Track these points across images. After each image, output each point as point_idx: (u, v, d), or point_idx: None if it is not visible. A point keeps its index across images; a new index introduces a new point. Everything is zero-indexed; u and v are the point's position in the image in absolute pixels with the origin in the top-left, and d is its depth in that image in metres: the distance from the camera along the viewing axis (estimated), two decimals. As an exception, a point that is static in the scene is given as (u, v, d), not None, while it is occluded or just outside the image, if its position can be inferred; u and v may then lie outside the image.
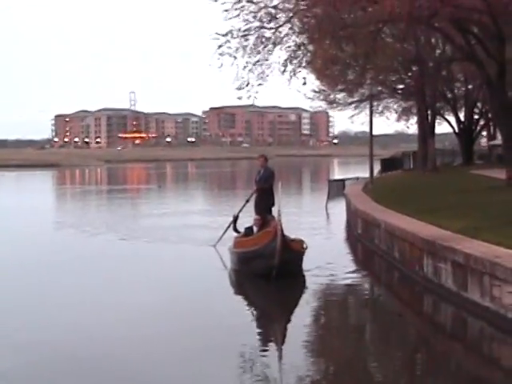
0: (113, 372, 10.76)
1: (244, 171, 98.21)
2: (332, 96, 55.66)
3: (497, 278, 12.43)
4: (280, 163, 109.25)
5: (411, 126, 71.00)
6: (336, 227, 29.62)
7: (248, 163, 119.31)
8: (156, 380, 10.30)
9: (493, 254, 13.28)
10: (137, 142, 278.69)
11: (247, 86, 27.87)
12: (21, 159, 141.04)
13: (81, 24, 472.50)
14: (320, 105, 59.93)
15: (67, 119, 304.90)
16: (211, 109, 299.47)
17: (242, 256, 18.15)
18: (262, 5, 26.96)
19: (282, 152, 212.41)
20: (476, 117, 60.23)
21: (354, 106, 57.59)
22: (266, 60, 27.99)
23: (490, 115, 56.10)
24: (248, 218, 20.54)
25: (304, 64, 29.57)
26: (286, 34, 27.87)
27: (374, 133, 41.41)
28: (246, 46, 27.35)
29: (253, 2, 26.76)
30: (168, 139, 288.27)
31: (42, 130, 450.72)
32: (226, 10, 26.79)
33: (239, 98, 28.66)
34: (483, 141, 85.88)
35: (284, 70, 28.21)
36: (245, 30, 27.13)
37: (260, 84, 28.23)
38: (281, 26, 27.44)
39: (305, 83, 29.79)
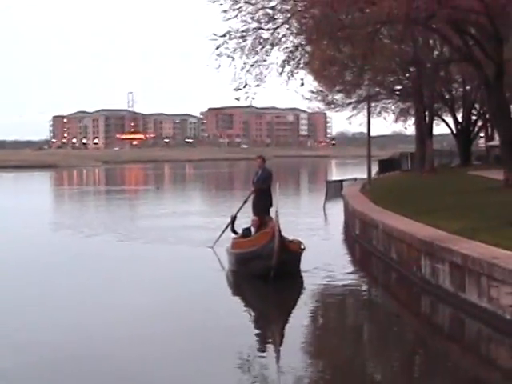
0: (112, 372, 10.77)
1: (242, 172, 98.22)
2: (330, 97, 55.70)
3: (494, 279, 12.43)
4: (278, 164, 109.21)
5: (409, 127, 70.99)
6: (334, 228, 29.63)
7: (246, 164, 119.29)
8: (155, 380, 10.30)
9: (490, 254, 13.28)
10: (135, 142, 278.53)
11: (245, 86, 27.86)
12: (19, 160, 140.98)
13: (81, 24, 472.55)
14: (318, 106, 60.01)
15: (65, 120, 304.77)
16: (209, 109, 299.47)
17: (239, 257, 18.14)
18: (259, 6, 26.96)
19: (279, 153, 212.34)
20: (474, 118, 60.25)
21: (351, 106, 57.60)
22: (264, 61, 27.98)
23: (487, 116, 56.10)
24: (246, 219, 20.54)
25: (302, 65, 29.57)
26: (284, 35, 27.87)
27: (372, 134, 41.47)
28: (244, 46, 27.34)
29: (251, 3, 26.77)
30: (166, 140, 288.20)
31: (40, 131, 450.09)
32: (225, 11, 26.81)
33: (237, 99, 28.65)
34: (481, 142, 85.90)
35: (282, 71, 28.20)
36: (243, 31, 27.13)
37: (258, 85, 28.22)
38: (279, 26, 27.43)
39: (302, 84, 29.82)
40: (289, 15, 26.91)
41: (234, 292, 17.43)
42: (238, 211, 21.09)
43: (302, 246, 18.21)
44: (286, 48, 28.15)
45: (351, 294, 16.63)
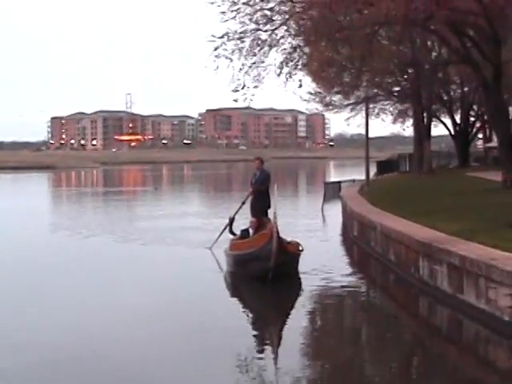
0: (112, 372, 10.78)
1: (240, 173, 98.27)
2: (328, 98, 55.74)
3: (492, 281, 12.42)
4: (276, 165, 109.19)
5: (407, 129, 71.03)
6: (332, 229, 29.62)
7: (244, 165, 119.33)
8: (154, 381, 10.30)
9: (488, 256, 13.27)
10: (133, 144, 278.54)
11: (243, 88, 27.87)
12: (17, 161, 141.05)
13: (81, 24, 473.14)
14: (316, 107, 60.04)
15: (63, 121, 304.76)
16: (207, 111, 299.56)
17: (237, 258, 18.14)
18: (257, 7, 26.97)
19: (278, 154, 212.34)
20: (472, 119, 60.35)
21: (349, 108, 57.68)
22: (262, 62, 28.00)
23: (485, 117, 56.20)
24: (244, 221, 20.53)
25: (300, 66, 29.57)
26: (282, 37, 27.90)
27: (370, 135, 41.47)
28: (242, 48, 27.35)
29: (249, 5, 26.77)
30: (164, 141, 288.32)
31: (39, 132, 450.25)
32: (223, 12, 26.82)
33: (235, 100, 28.65)
34: (479, 143, 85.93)
35: (280, 73, 28.22)
36: (241, 33, 27.14)
37: (256, 86, 28.23)
38: (277, 28, 27.45)
39: (301, 85, 29.79)
40: (287, 17, 26.93)
41: (232, 293, 17.43)
42: (236, 212, 21.07)
43: (300, 248, 18.19)
44: (284, 49, 28.18)
45: (349, 295, 16.61)
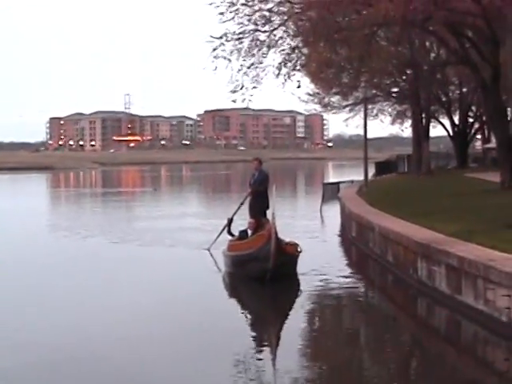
0: (111, 373, 10.78)
1: (238, 174, 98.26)
2: (326, 99, 55.78)
3: (491, 282, 12.42)
4: (275, 166, 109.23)
5: (406, 130, 71.30)
6: (330, 230, 29.61)
7: (243, 166, 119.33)
8: (153, 381, 10.29)
9: (487, 257, 13.27)
10: (131, 144, 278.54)
11: (242, 88, 27.86)
12: (15, 162, 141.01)
13: (81, 24, 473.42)
14: (314, 108, 60.17)
15: (62, 122, 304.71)
16: (206, 112, 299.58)
17: (236, 259, 18.13)
18: (256, 8, 26.95)
19: (276, 155, 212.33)
20: (470, 120, 60.37)
21: (348, 109, 57.73)
22: (261, 63, 27.98)
23: (484, 118, 56.23)
24: (242, 221, 20.53)
25: (298, 67, 29.56)
26: (281, 37, 27.88)
27: (369, 136, 41.42)
28: (241, 48, 27.34)
29: (247, 5, 26.76)
30: (163, 142, 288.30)
31: (38, 133, 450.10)
32: (221, 13, 26.80)
33: (234, 101, 28.64)
34: (478, 144, 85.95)
35: (278, 73, 28.19)
36: (239, 33, 27.11)
37: (254, 87, 28.21)
38: (275, 29, 27.44)
39: (299, 86, 29.78)
40: (285, 17, 26.92)
41: (231, 294, 17.43)
42: (235, 213, 21.08)
43: (299, 249, 18.19)
44: (283, 50, 28.16)
45: (348, 296, 16.61)
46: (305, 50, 29.88)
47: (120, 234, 27.71)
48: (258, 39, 27.47)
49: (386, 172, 56.50)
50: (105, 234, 27.91)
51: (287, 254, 17.29)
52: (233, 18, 26.79)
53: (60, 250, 24.14)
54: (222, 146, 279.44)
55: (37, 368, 10.94)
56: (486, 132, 63.54)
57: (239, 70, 27.65)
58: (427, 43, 45.44)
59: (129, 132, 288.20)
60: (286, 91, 44.70)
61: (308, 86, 50.25)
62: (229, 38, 26.97)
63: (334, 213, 34.57)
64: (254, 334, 13.45)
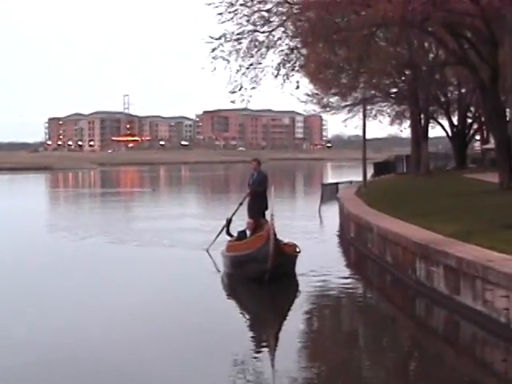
0: (110, 372, 10.79)
1: (237, 175, 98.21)
2: (325, 100, 55.82)
3: (489, 282, 12.42)
4: (273, 167, 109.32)
5: (404, 130, 71.29)
6: (329, 231, 29.59)
7: (242, 166, 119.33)
8: (152, 381, 10.30)
9: (485, 257, 13.28)
10: (130, 145, 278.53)
11: (240, 89, 27.90)
12: (14, 162, 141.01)
13: (81, 24, 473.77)
14: (313, 108, 60.16)
15: (61, 122, 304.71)
16: (205, 112, 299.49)
17: (234, 260, 18.12)
18: (255, 8, 26.98)
19: (275, 156, 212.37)
20: (469, 121, 60.40)
21: (347, 109, 57.73)
22: (259, 63, 28.03)
23: (483, 119, 56.24)
24: (241, 222, 20.52)
25: (297, 68, 29.58)
26: (280, 38, 27.91)
27: (368, 136, 41.42)
28: (240, 49, 27.38)
29: (246, 6, 26.78)
30: (161, 142, 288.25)
31: (38, 133, 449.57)
32: (220, 14, 26.82)
33: (233, 102, 28.68)
34: (476, 145, 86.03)
35: (277, 74, 28.23)
36: (238, 34, 27.14)
37: (253, 87, 28.27)
38: (274, 29, 27.47)
39: (298, 87, 29.86)
40: (284, 18, 26.94)
41: (229, 295, 17.41)
42: (234, 214, 21.08)
43: (298, 249, 18.19)
44: (282, 51, 28.20)
45: (346, 297, 16.61)
46: (303, 51, 29.90)
47: (119, 234, 27.71)
48: (256, 40, 27.52)
49: (385, 172, 56.52)
50: (103, 234, 27.89)
51: (286, 255, 17.29)
52: (231, 18, 26.85)
53: (58, 250, 24.13)
54: (221, 146, 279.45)
55: (36, 368, 10.95)
56: (485, 133, 63.55)
57: (238, 71, 27.70)
58: (426, 44, 45.46)
59: (128, 132, 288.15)
60: (284, 92, 44.85)
61: (307, 86, 50.32)
62: (228, 39, 27.01)
63: (332, 213, 34.55)
64: (252, 334, 13.44)
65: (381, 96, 54.74)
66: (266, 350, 12.19)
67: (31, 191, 69.21)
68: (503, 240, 14.72)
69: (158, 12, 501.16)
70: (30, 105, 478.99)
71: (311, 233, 27.53)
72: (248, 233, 18.87)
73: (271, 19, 27.26)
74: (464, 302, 13.51)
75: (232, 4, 26.59)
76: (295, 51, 28.55)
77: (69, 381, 10.45)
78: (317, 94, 54.15)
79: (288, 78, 28.53)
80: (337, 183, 49.93)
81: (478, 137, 69.94)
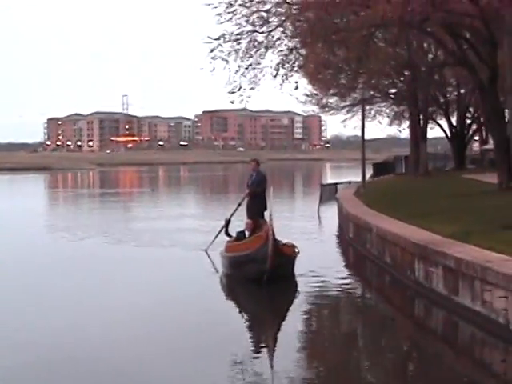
0: (109, 373, 10.79)
1: (236, 175, 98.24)
2: (324, 100, 55.84)
3: (488, 283, 12.42)
4: (272, 167, 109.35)
5: (403, 131, 71.25)
6: (328, 231, 29.59)
7: (241, 167, 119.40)
8: (151, 381, 10.29)
9: (484, 258, 13.27)
10: (129, 145, 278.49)
11: (239, 89, 27.91)
12: (14, 162, 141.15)
13: (81, 24, 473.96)
14: (312, 109, 60.25)
15: (60, 122, 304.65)
16: (204, 112, 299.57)
17: (233, 260, 18.11)
18: (254, 9, 27.01)
19: (274, 156, 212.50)
20: (468, 121, 60.40)
21: (346, 110, 57.74)
22: (258, 64, 28.04)
23: (482, 120, 56.24)
24: (240, 222, 20.51)
25: (296, 68, 29.58)
26: (278, 38, 27.92)
27: (367, 137, 41.49)
28: (239, 49, 27.40)
29: (245, 6, 26.79)
30: (160, 143, 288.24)
31: (37, 133, 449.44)
32: (219, 14, 26.83)
33: (231, 102, 28.69)
34: (475, 145, 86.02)
35: (276, 74, 28.24)
36: (237, 34, 27.16)
37: (252, 88, 28.28)
38: (273, 30, 27.49)
39: (297, 87, 29.88)
40: (283, 18, 26.96)
41: (228, 295, 17.40)
42: (232, 214, 21.06)
43: (296, 250, 18.18)
44: (281, 51, 28.21)
45: (345, 297, 16.61)
46: (302, 51, 29.89)
47: (118, 234, 27.71)
48: (255, 40, 27.53)
49: (384, 173, 56.55)
50: (102, 234, 27.89)
51: (285, 255, 17.28)
52: (231, 18, 26.87)
53: (58, 251, 24.14)
54: (220, 146, 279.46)
55: (35, 368, 10.96)
56: (484, 133, 63.56)
57: (237, 71, 27.72)
58: (425, 44, 45.48)
59: (127, 133, 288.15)
60: (283, 92, 44.88)
61: (306, 87, 50.33)
62: (227, 39, 27.03)
63: (331, 214, 34.57)
64: (251, 334, 13.43)
65: (380, 96, 54.75)
66: (264, 350, 12.19)
67: (31, 191, 69.25)
68: (502, 241, 14.71)
69: (158, 12, 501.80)
70: (30, 105, 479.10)
71: (310, 233, 27.53)
72: (247, 233, 18.85)
73: (270, 19, 27.28)
74: (463, 302, 13.51)
75: (231, 4, 26.61)
76: (294, 51, 28.55)
77: (68, 381, 10.45)
78: (316, 94, 54.17)
79: (287, 79, 28.56)
80: (336, 184, 49.92)
81: (476, 137, 69.93)
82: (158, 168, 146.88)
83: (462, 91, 56.89)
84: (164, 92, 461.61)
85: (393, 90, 54.25)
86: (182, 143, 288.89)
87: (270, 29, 27.43)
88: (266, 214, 18.04)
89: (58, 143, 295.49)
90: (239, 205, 20.75)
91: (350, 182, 49.90)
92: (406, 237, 17.38)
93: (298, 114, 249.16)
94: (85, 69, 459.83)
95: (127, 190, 68.67)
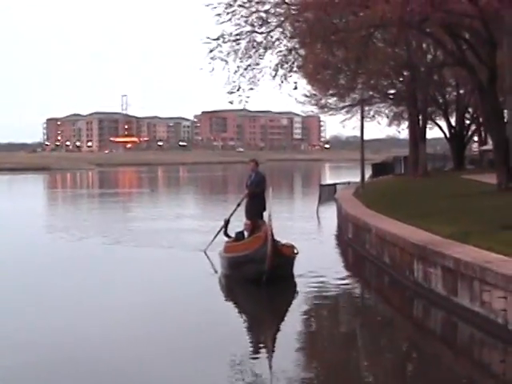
0: (109, 373, 10.79)
1: (235, 175, 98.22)
2: (323, 100, 55.84)
3: (487, 283, 12.42)
4: (271, 167, 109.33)
5: (402, 131, 71.27)
6: (327, 232, 29.59)
7: (240, 167, 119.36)
8: (150, 381, 10.29)
9: (483, 259, 13.28)
10: (128, 145, 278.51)
11: (238, 90, 27.91)
12: (13, 163, 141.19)
13: (81, 24, 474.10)
14: (311, 109, 60.18)
15: (59, 123, 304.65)
16: (203, 113, 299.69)
17: (232, 261, 18.10)
18: (253, 9, 27.02)
19: (273, 156, 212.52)
20: (467, 122, 60.42)
21: (345, 110, 57.75)
22: (258, 64, 28.05)
23: (481, 120, 56.25)
24: (239, 223, 20.51)
25: (295, 68, 29.60)
26: (278, 39, 27.94)
27: (366, 137, 41.50)
28: (238, 50, 27.41)
29: (244, 7, 26.80)
30: (160, 143, 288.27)
31: (36, 133, 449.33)
32: (218, 15, 26.85)
33: (231, 102, 28.68)
34: (474, 146, 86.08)
35: (275, 75, 28.26)
36: (236, 35, 27.18)
37: (251, 88, 28.28)
38: (272, 30, 27.49)
39: (296, 88, 29.89)
40: (282, 19, 26.97)
41: (227, 296, 17.39)
42: (232, 215, 21.05)
43: (295, 250, 18.17)
44: (280, 51, 28.22)
45: (344, 298, 16.61)
46: (302, 52, 29.93)
47: (117, 234, 27.69)
48: (254, 40, 27.54)
49: (383, 173, 56.56)
50: (102, 234, 27.88)
51: (284, 256, 17.27)
52: (230, 19, 26.88)
53: (57, 251, 24.14)
54: (219, 147, 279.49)
55: (35, 368, 10.95)
56: (483, 134, 63.64)
57: (236, 72, 27.73)
58: (424, 45, 45.48)
59: (126, 133, 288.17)
60: (282, 93, 44.92)
61: (305, 87, 50.34)
62: (226, 40, 27.05)
63: (330, 214, 34.58)
64: (250, 335, 13.43)
65: (379, 97, 54.76)
66: (263, 350, 12.20)
67: (30, 192, 69.29)
68: (501, 241, 14.72)
69: (158, 12, 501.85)
70: (30, 105, 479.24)
71: (309, 234, 27.53)
72: (246, 234, 18.85)
73: (269, 20, 27.29)
74: (462, 303, 13.51)
75: (230, 5, 26.63)
76: (293, 52, 28.57)
77: (68, 381, 10.45)
78: (315, 94, 54.19)
79: (286, 79, 28.57)
80: (335, 184, 49.89)
81: (476, 138, 70.01)
82: (157, 168, 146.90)
83: (461, 92, 56.94)
84: (163, 92, 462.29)
85: (392, 91, 54.26)
86: (181, 143, 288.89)
87: (269, 29, 27.44)
88: (265, 214, 18.04)
89: (57, 143, 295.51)
90: (238, 205, 20.74)
91: (349, 183, 49.89)
92: (405, 237, 17.39)
93: (297, 115, 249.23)
94: (84, 69, 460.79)
95: (126, 191, 68.67)
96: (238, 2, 26.67)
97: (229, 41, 27.12)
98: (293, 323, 13.73)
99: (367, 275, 20.26)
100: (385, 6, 22.12)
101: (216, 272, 19.25)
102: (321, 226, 32.57)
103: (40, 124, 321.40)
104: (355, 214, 24.74)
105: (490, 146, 47.09)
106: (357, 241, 23.49)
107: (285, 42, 28.22)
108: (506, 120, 28.83)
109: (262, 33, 27.48)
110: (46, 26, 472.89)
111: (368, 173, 50.34)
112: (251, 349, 12.12)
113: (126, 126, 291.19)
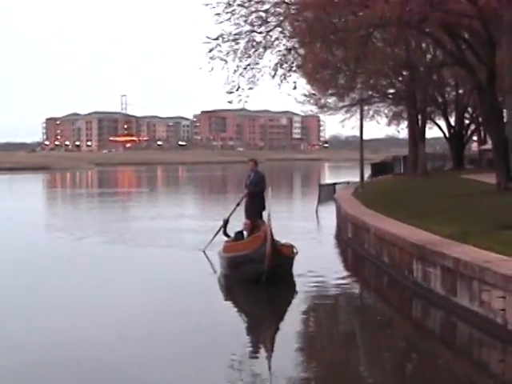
0: (109, 373, 10.80)
1: (235, 175, 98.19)
2: (323, 100, 55.87)
3: (486, 283, 12.43)
4: (271, 167, 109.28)
5: (402, 131, 71.25)
6: (326, 232, 29.60)
7: (240, 167, 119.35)
8: (150, 381, 10.30)
9: (482, 258, 13.28)
10: (128, 145, 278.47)
11: (238, 89, 27.92)
12: (13, 162, 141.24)
13: (81, 24, 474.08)
14: (311, 109, 60.22)
15: (58, 122, 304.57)
16: (202, 112, 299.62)
17: (231, 260, 18.10)
18: (252, 9, 27.03)
19: (272, 156, 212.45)
20: (466, 121, 60.45)
21: (344, 110, 57.77)
22: (257, 64, 28.06)
23: (480, 120, 56.27)
24: (238, 223, 20.51)
25: (294, 68, 29.61)
26: (277, 38, 27.95)
27: (365, 137, 41.55)
28: (237, 49, 27.42)
29: (244, 6, 26.81)
30: (159, 143, 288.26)
31: (36, 133, 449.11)
32: (218, 14, 26.85)
33: (230, 102, 28.69)
34: (474, 145, 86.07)
35: (274, 74, 28.29)
36: (235, 34, 27.18)
37: (250, 88, 28.30)
38: (271, 29, 27.50)
39: (295, 87, 29.87)
40: (282, 18, 26.98)
41: (226, 296, 17.39)
42: (231, 214, 21.06)
43: (295, 250, 18.16)
44: (279, 51, 28.24)
45: (343, 297, 16.61)
46: (301, 51, 29.94)
47: (116, 234, 27.68)
48: (254, 40, 27.55)
49: (382, 173, 56.54)
50: (101, 234, 27.88)
51: (283, 256, 17.26)
52: (229, 18, 26.89)
53: (57, 251, 24.13)
54: (219, 146, 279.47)
55: (35, 368, 10.94)
56: (482, 133, 63.66)
57: (235, 71, 27.73)
58: (423, 44, 45.50)
59: (125, 132, 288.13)
60: (282, 92, 44.80)
61: (304, 87, 50.32)
62: (225, 39, 27.05)
63: (329, 214, 34.58)
64: (249, 335, 13.44)
65: (378, 97, 54.80)
66: (263, 350, 12.22)
67: (30, 191, 69.24)
68: (500, 241, 14.72)
69: (158, 12, 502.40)
70: (29, 105, 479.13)
71: (308, 233, 27.51)
72: (245, 233, 18.87)
73: (269, 19, 27.29)
74: (461, 302, 13.51)
75: (230, 4, 26.63)
76: (292, 51, 28.59)
77: (68, 381, 10.44)
78: (314, 94, 54.20)
79: (285, 79, 28.58)
80: (334, 184, 49.86)
81: (475, 138, 70.01)
82: (157, 168, 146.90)
83: (461, 91, 56.95)
84: (163, 92, 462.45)
85: (391, 90, 54.31)
86: (180, 143, 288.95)
87: (268, 29, 27.45)
88: (265, 214, 18.04)
89: (57, 143, 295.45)
90: (238, 205, 20.74)
91: (348, 182, 49.86)
92: (404, 237, 17.39)
93: (297, 114, 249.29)
94: (84, 69, 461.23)
95: (125, 190, 68.66)
96: (238, 2, 26.70)
97: (228, 40, 27.14)
98: (292, 323, 13.74)
99: (366, 275, 20.27)
100: (384, 6, 22.13)
101: (215, 272, 19.26)
102: (320, 226, 32.56)
103: (39, 123, 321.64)
104: (354, 213, 24.74)
105: (489, 145, 47.10)
106: (356, 240, 23.50)
107: (284, 41, 28.27)
108: (505, 120, 28.84)
109: (261, 32, 27.49)
110: (46, 26, 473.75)
111: (367, 172, 50.33)
112: (251, 348, 12.14)
113: (126, 126, 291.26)
